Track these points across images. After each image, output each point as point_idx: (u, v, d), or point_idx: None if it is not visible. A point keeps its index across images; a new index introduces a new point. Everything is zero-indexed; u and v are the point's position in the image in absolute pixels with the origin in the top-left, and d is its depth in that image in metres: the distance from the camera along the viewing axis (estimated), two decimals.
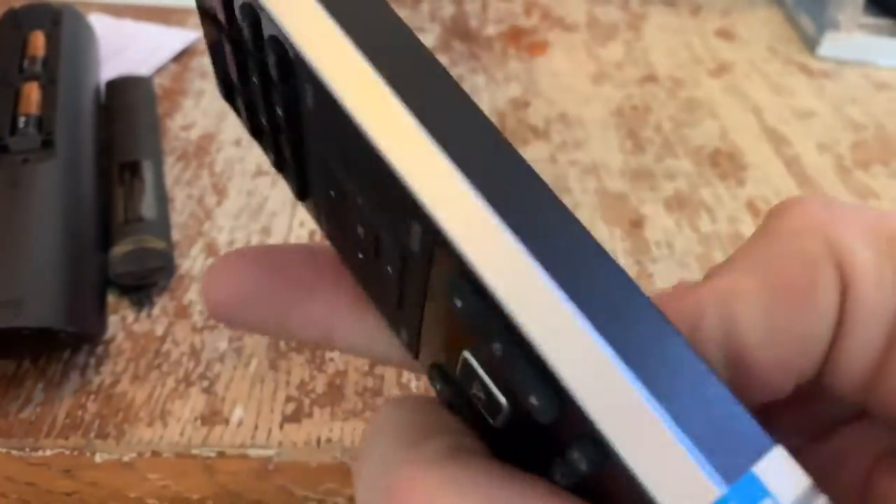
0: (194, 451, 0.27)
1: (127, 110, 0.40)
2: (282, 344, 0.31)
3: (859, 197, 0.42)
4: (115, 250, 0.31)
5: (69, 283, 0.28)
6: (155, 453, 0.27)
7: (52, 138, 0.33)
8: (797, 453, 0.14)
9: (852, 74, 0.54)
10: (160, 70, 0.47)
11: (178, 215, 0.37)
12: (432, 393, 0.15)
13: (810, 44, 0.56)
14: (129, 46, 0.48)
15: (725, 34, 0.58)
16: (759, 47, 0.57)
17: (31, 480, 0.27)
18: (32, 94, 0.35)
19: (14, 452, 0.26)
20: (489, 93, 0.48)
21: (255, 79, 0.14)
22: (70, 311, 0.28)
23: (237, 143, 0.42)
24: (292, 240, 0.36)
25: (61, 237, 0.30)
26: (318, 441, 0.27)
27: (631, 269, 0.35)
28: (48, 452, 0.26)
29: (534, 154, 0.43)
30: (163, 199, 0.35)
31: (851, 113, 0.49)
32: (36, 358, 0.30)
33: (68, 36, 0.41)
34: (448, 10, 0.58)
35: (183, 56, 0.49)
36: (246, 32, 0.14)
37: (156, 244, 0.32)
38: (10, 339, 0.28)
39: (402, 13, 0.57)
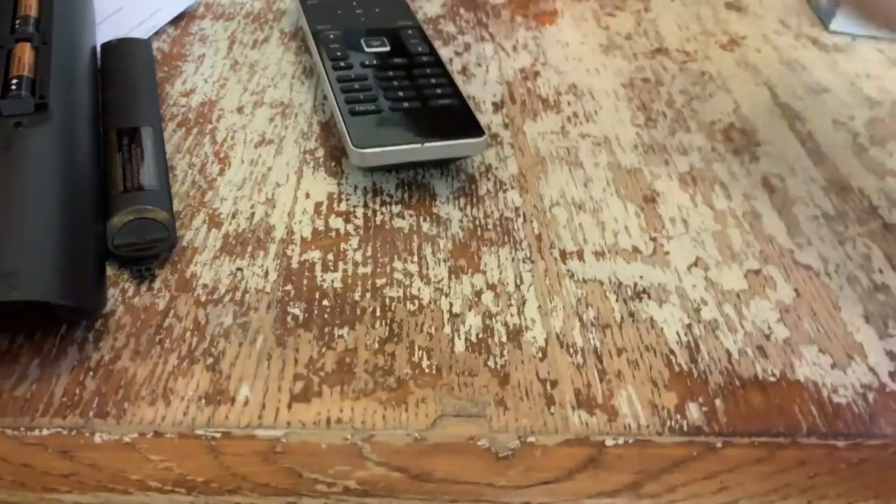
0: (198, 432, 0.26)
1: (125, 74, 0.38)
2: (289, 319, 0.30)
3: (876, 175, 0.41)
4: (115, 220, 0.30)
5: (66, 255, 0.27)
6: (157, 434, 0.26)
7: (47, 102, 0.32)
8: None
9: (866, 49, 0.53)
10: (158, 34, 0.46)
11: (180, 185, 0.35)
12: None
13: (823, 17, 0.55)
14: (124, 8, 0.46)
15: (736, 6, 0.57)
16: (770, 20, 0.56)
17: (26, 462, 0.26)
18: (25, 55, 0.34)
19: (8, 432, 0.25)
20: (497, 62, 0.47)
21: None
22: (67, 283, 0.26)
23: (240, 110, 0.40)
24: (297, 212, 0.34)
25: (57, 206, 0.28)
26: (328, 421, 0.26)
27: (647, 246, 0.34)
28: (44, 432, 0.25)
29: (545, 126, 0.42)
30: (163, 168, 0.33)
31: (866, 88, 0.48)
32: (31, 332, 0.28)
33: None
34: None
35: (182, 20, 0.47)
36: None
37: (157, 214, 0.30)
38: (4, 313, 0.27)
39: None
